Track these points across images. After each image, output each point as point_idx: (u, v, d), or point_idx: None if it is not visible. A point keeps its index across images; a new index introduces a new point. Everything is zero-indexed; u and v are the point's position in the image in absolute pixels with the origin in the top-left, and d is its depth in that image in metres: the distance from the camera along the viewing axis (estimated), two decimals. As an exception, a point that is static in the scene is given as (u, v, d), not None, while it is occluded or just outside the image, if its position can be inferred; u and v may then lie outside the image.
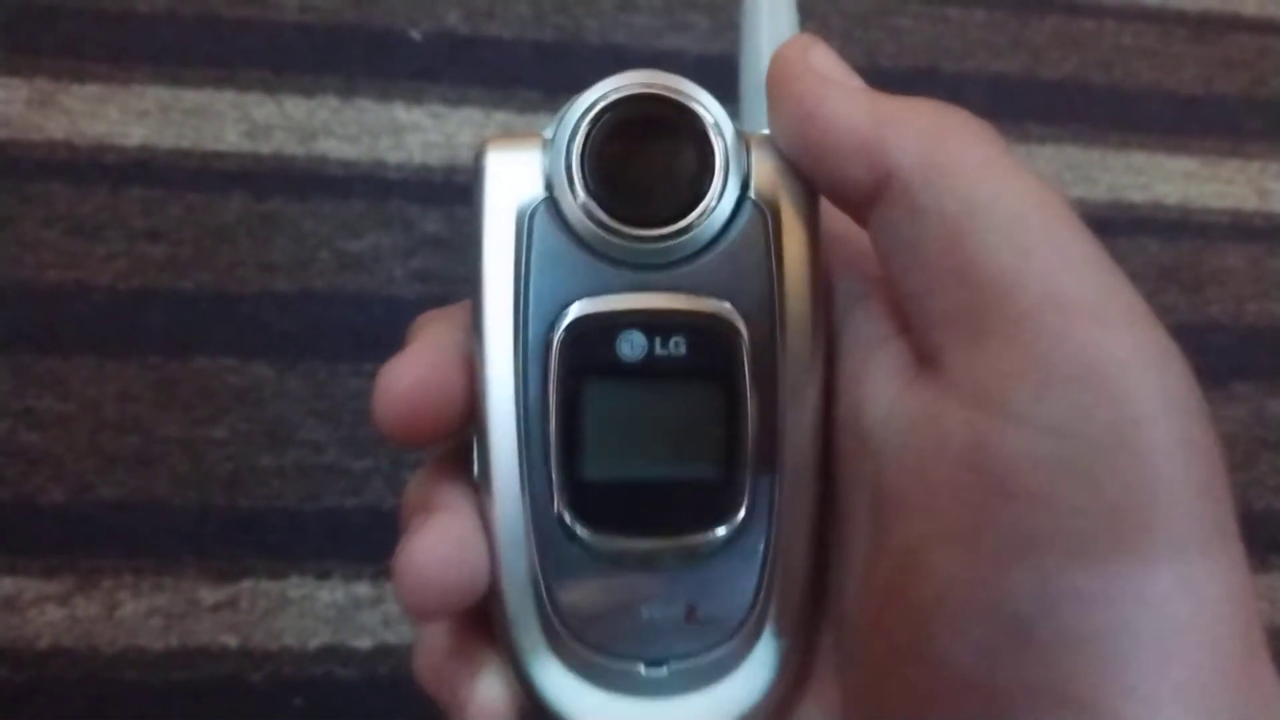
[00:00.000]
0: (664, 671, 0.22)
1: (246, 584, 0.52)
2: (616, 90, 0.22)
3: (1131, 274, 0.66)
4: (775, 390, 0.22)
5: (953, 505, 0.19)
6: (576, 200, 0.22)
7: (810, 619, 0.23)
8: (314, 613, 0.52)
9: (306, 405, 0.56)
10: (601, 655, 0.22)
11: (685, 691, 0.22)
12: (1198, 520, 0.17)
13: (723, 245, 0.22)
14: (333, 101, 0.64)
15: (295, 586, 0.52)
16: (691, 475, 0.22)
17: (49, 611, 0.51)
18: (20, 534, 0.52)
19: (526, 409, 0.22)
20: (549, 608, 0.22)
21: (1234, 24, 0.83)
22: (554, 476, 0.22)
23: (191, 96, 0.63)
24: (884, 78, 0.74)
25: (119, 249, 0.58)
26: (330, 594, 0.52)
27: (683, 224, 0.22)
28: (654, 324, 0.22)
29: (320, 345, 0.57)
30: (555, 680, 0.22)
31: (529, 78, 0.66)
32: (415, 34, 0.67)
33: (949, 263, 0.19)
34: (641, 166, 0.22)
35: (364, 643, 0.52)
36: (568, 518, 0.22)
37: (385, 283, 0.59)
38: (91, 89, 0.62)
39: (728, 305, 0.22)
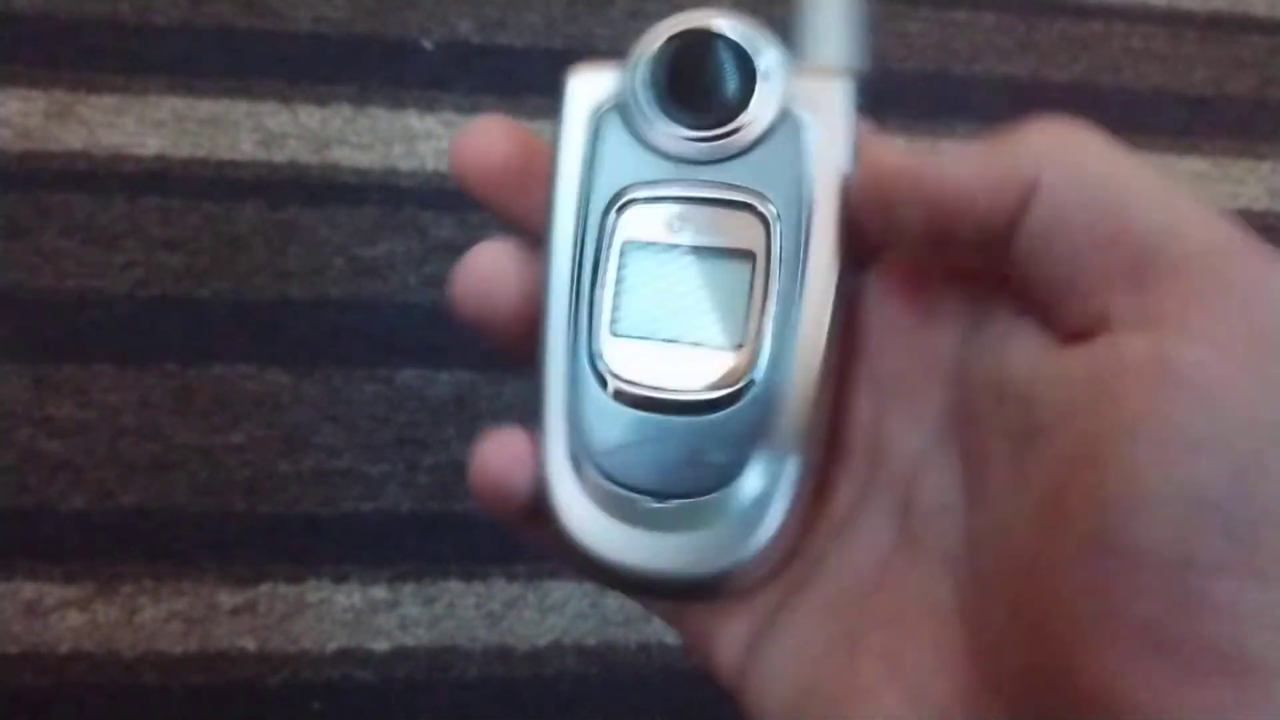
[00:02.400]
0: (667, 505, 0.25)
1: (265, 588, 0.53)
2: (681, 23, 0.27)
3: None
4: (796, 276, 0.26)
5: (1136, 407, 0.20)
6: (640, 105, 0.27)
7: (818, 481, 0.26)
8: (331, 616, 0.52)
9: (323, 411, 0.57)
10: (613, 485, 0.26)
11: (687, 529, 0.25)
12: None
13: (761, 150, 0.26)
14: (346, 110, 0.65)
15: (313, 590, 0.53)
16: (710, 340, 0.26)
17: (70, 617, 0.51)
18: (41, 540, 0.52)
19: (580, 272, 0.26)
20: (575, 438, 0.26)
21: (1244, 25, 0.83)
22: (595, 329, 0.26)
23: (206, 106, 0.63)
24: (894, 81, 0.75)
25: (137, 258, 0.59)
26: (348, 598, 0.53)
27: (724, 129, 0.26)
28: (695, 207, 0.26)
29: (336, 351, 0.58)
30: (572, 501, 0.26)
31: (540, 86, 0.67)
32: (428, 43, 0.68)
33: (1104, 233, 0.21)
34: (693, 82, 0.27)
35: (381, 645, 0.52)
36: (600, 364, 0.26)
37: (399, 289, 0.60)
38: (108, 100, 0.63)
39: (761, 196, 0.26)
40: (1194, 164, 0.75)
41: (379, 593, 0.53)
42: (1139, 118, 0.77)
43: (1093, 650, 0.20)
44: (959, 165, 0.23)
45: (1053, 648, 0.21)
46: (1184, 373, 0.20)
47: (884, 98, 0.73)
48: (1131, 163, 0.22)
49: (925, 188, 0.23)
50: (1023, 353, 0.23)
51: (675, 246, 0.26)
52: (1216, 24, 0.82)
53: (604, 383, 0.26)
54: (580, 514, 0.26)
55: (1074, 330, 0.22)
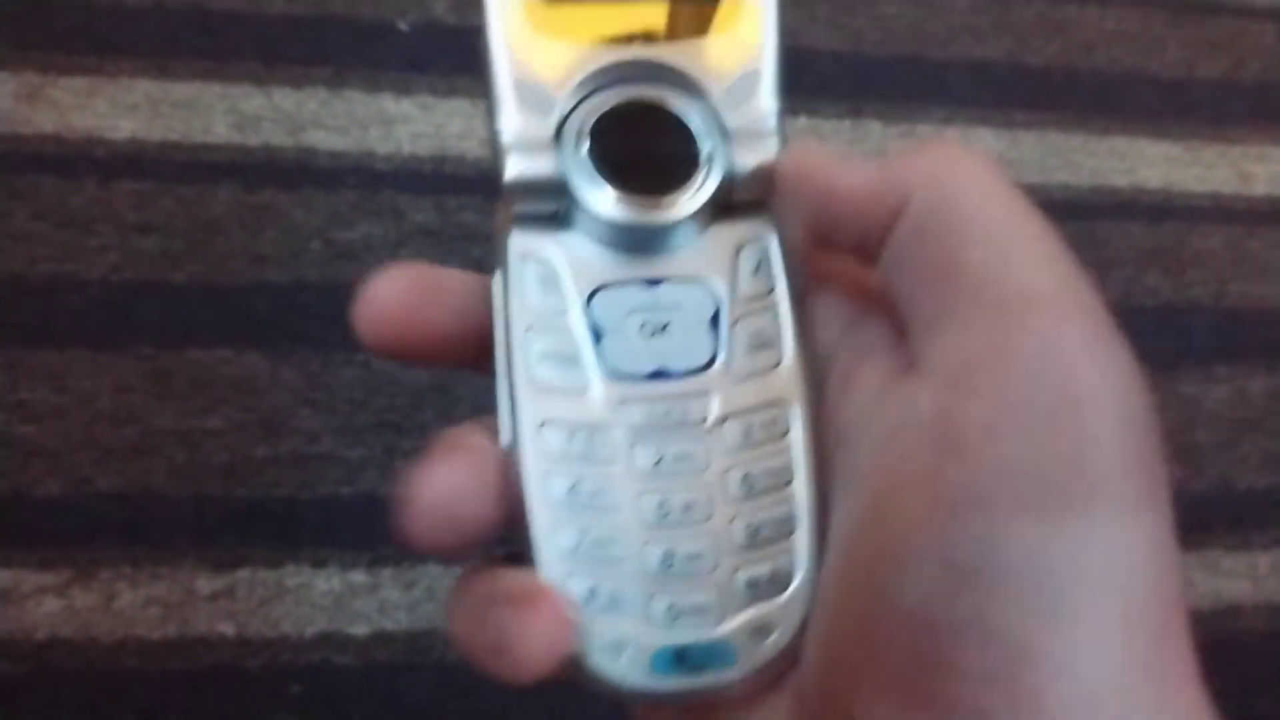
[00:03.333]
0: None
1: (243, 573, 0.53)
2: (618, 96, 0.26)
3: (1114, 257, 0.67)
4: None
5: (916, 465, 0.21)
6: (580, 196, 0.26)
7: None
8: (310, 601, 0.52)
9: (300, 395, 0.57)
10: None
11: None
12: (1131, 487, 0.20)
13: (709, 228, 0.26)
14: (321, 93, 0.64)
15: (292, 575, 0.53)
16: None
17: (47, 603, 0.51)
18: (17, 526, 0.52)
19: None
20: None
21: (1214, 8, 0.84)
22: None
23: (180, 89, 0.63)
24: (869, 64, 0.75)
25: (110, 242, 0.58)
26: (327, 582, 0.53)
27: (670, 206, 0.26)
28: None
29: (313, 335, 0.58)
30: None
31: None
32: (403, 25, 0.68)
33: (939, 268, 0.22)
34: (635, 159, 0.26)
35: (361, 630, 0.52)
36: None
37: (377, 273, 0.60)
38: (79, 82, 0.62)
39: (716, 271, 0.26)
40: (1165, 147, 0.76)
41: (358, 577, 0.53)
42: (1112, 101, 0.77)
43: (865, 703, 0.22)
44: (848, 173, 0.24)
45: (840, 699, 0.23)
46: (958, 432, 0.21)
47: (860, 82, 0.73)
48: (995, 199, 0.23)
49: (814, 186, 0.25)
50: (868, 385, 0.24)
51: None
52: (1188, 6, 0.82)
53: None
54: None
55: (906, 364, 0.23)
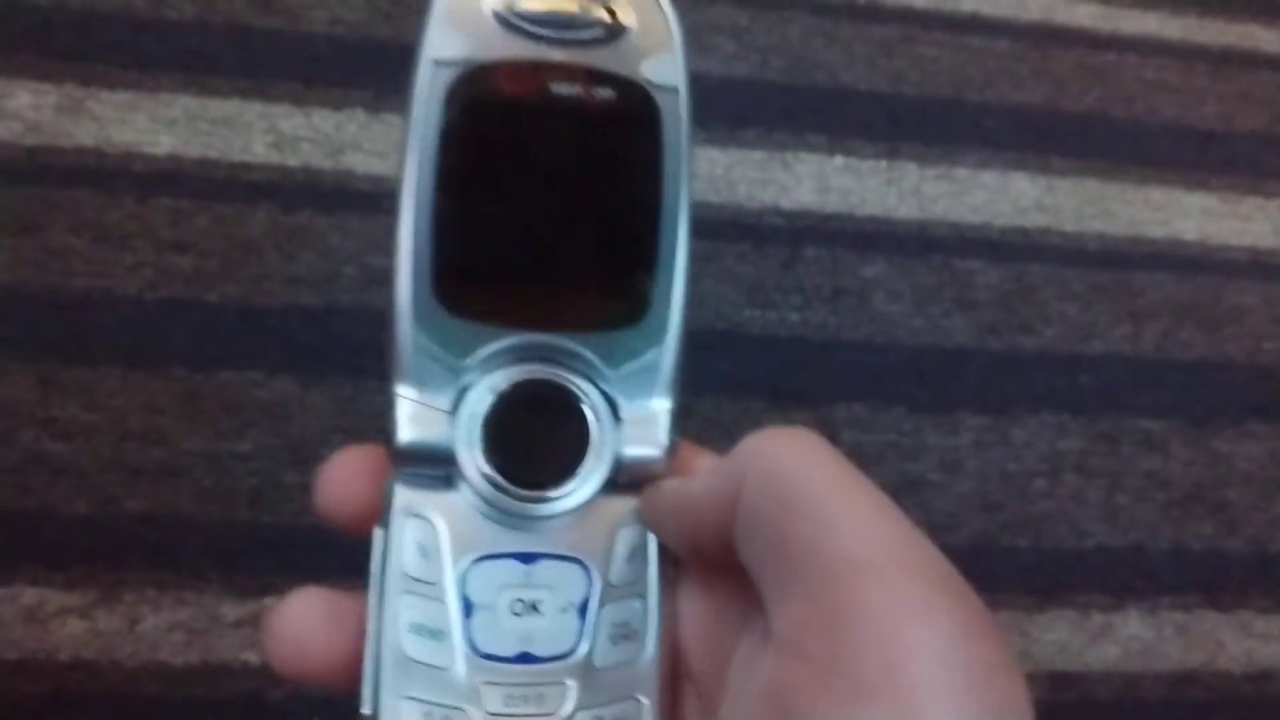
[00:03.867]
0: None
1: (269, 601, 0.52)
2: (515, 374, 0.27)
3: (1150, 309, 0.67)
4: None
5: None
6: (467, 473, 0.26)
7: None
8: (336, 632, 0.52)
9: (331, 421, 0.56)
10: None
11: None
12: None
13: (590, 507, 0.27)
14: (361, 115, 0.64)
15: (318, 605, 0.52)
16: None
17: (71, 624, 0.51)
18: (43, 545, 0.52)
19: None
20: None
21: (1254, 60, 0.83)
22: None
23: (219, 106, 0.63)
24: (907, 106, 0.75)
25: (146, 259, 0.58)
26: (352, 614, 0.52)
27: (557, 492, 0.27)
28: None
29: (345, 361, 0.58)
30: None
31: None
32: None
33: (773, 542, 0.23)
34: (526, 444, 0.27)
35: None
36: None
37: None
38: (121, 96, 0.62)
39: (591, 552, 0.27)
40: (1202, 199, 0.76)
41: None
42: (1150, 150, 0.77)
43: None
44: (698, 483, 0.26)
45: None
46: (788, 695, 0.22)
47: (897, 123, 0.73)
48: (818, 470, 0.24)
49: (677, 506, 0.26)
50: (737, 656, 0.25)
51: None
52: (1228, 59, 0.82)
53: None
54: None
55: (763, 635, 0.24)
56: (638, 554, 0.27)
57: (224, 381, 0.56)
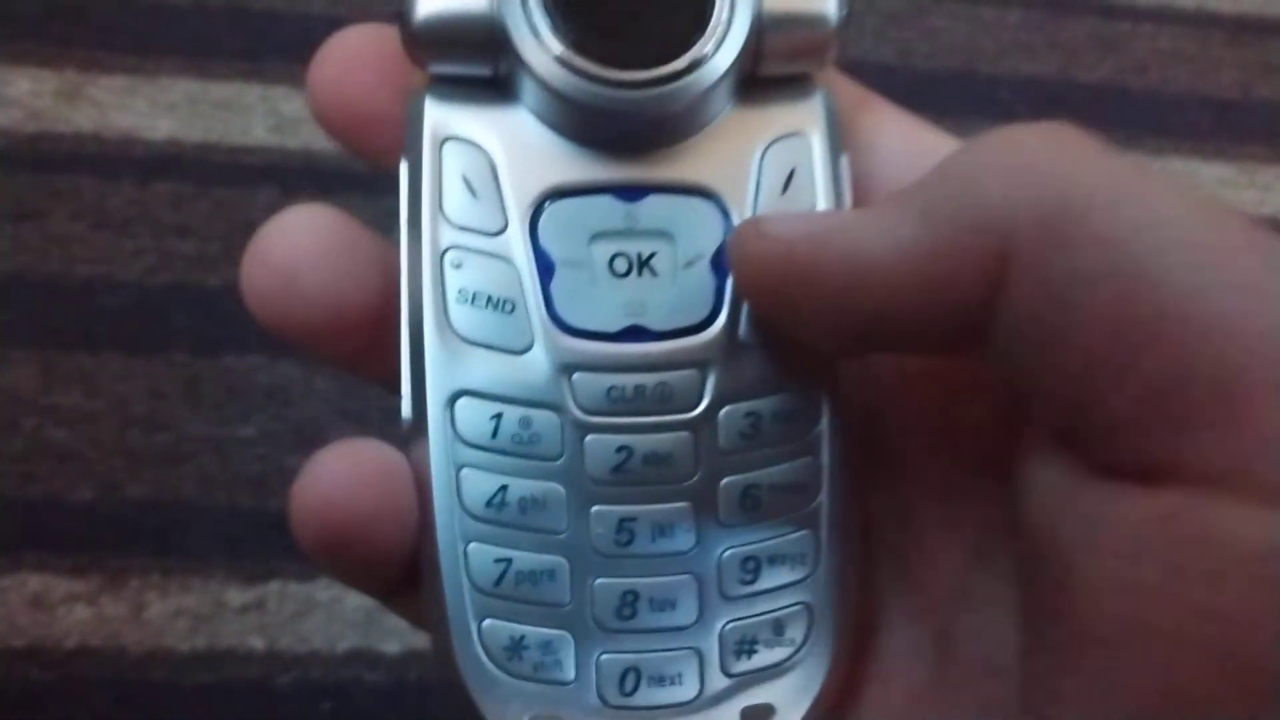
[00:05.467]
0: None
1: (274, 585, 0.52)
2: None
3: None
4: None
5: (1237, 604, 0.14)
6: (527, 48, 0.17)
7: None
8: (342, 616, 0.52)
9: (335, 405, 0.56)
10: None
11: None
12: None
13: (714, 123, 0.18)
14: (362, 97, 0.64)
15: (323, 589, 0.52)
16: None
17: (77, 610, 0.50)
18: (48, 532, 0.51)
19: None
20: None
21: (1272, 28, 0.82)
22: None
23: (219, 89, 0.63)
24: (918, 78, 0.74)
25: (147, 244, 0.58)
26: (359, 597, 0.52)
27: (665, 70, 0.17)
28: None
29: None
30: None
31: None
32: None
33: (1130, 337, 0.14)
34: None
35: (392, 647, 0.51)
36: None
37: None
38: (120, 81, 0.62)
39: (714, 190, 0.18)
40: (1220, 169, 0.74)
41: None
42: (1166, 121, 0.76)
43: None
44: (881, 236, 0.16)
45: None
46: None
47: (908, 96, 0.71)
48: (1165, 200, 0.15)
49: (829, 272, 0.16)
50: (1043, 476, 0.17)
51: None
52: (1244, 26, 0.80)
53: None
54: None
55: (1104, 463, 0.15)
56: (801, 181, 0.19)
57: (227, 366, 0.55)
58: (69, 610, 0.50)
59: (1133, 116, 0.75)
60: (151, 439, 0.54)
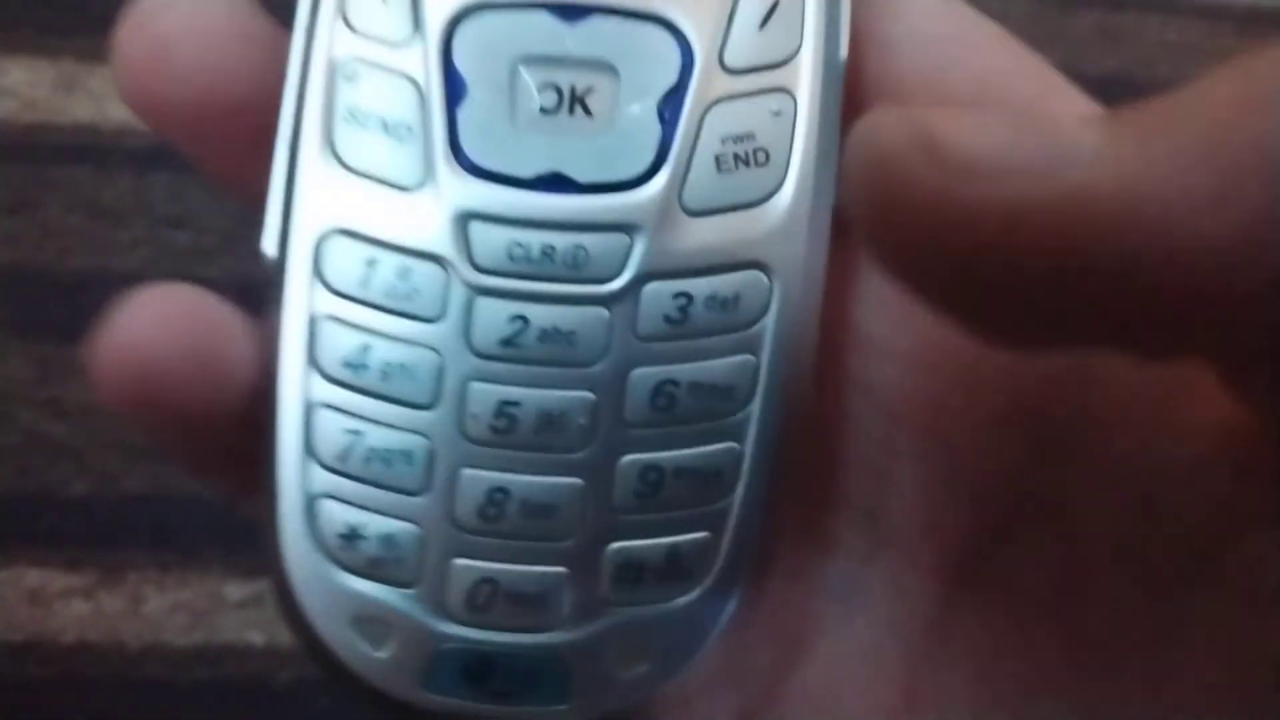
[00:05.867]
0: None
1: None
2: None
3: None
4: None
5: None
6: None
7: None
8: (342, 612, 0.51)
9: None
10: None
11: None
12: None
13: None
14: (361, 88, 0.63)
15: (323, 584, 0.52)
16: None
17: (75, 605, 0.50)
18: (44, 526, 0.51)
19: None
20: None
21: None
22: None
23: (218, 80, 0.62)
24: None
25: (142, 235, 0.58)
26: (359, 593, 0.52)
27: None
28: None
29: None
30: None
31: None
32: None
33: None
34: None
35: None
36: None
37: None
38: (117, 71, 0.61)
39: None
40: (1226, 161, 0.74)
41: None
42: (1171, 113, 0.75)
43: None
44: (1135, 171, 0.11)
45: None
46: None
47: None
48: None
49: (1088, 243, 0.11)
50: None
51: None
52: (1254, 18, 0.80)
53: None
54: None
55: None
56: (783, 17, 0.15)
57: (225, 358, 0.55)
58: (66, 605, 0.50)
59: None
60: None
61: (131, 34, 0.17)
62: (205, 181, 0.59)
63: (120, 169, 0.59)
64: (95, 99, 0.60)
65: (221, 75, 0.16)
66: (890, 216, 0.12)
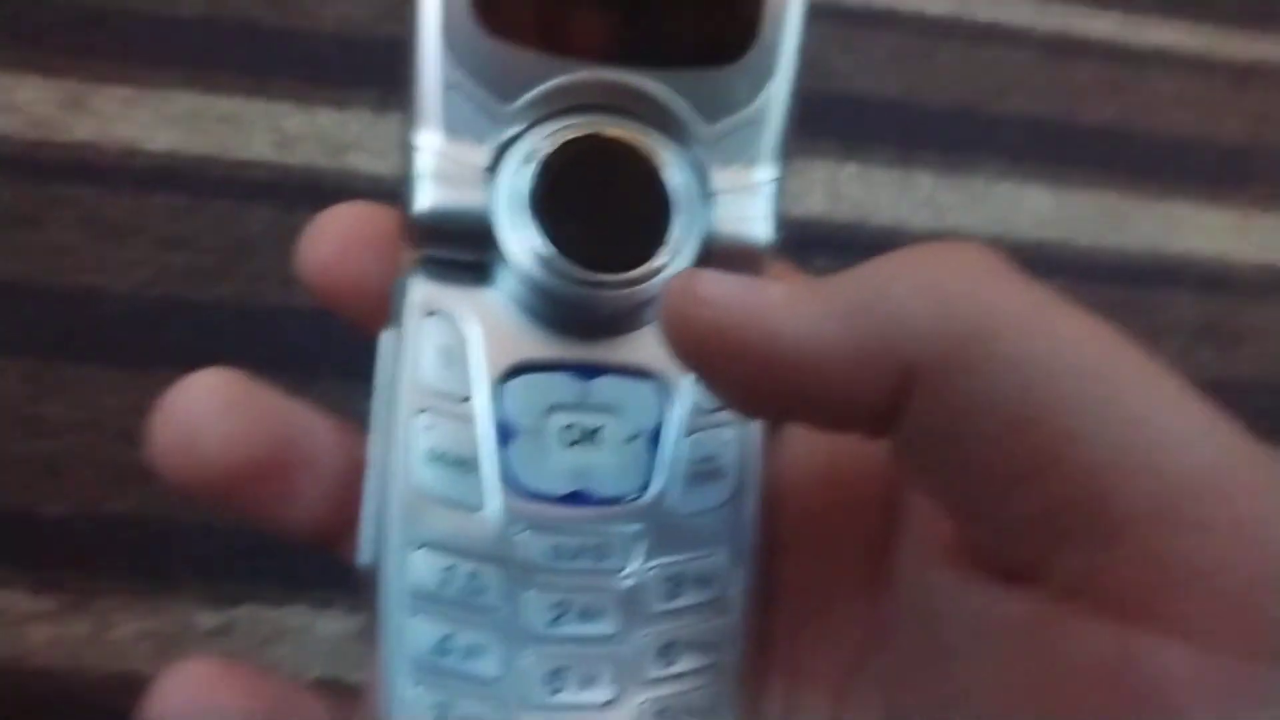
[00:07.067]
0: None
1: (244, 610, 0.51)
2: (566, 131, 0.21)
3: (1166, 326, 0.65)
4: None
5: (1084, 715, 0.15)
6: (512, 253, 0.21)
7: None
8: (311, 644, 0.51)
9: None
10: None
11: None
12: None
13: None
14: (366, 115, 0.64)
15: (294, 615, 0.51)
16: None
17: (42, 629, 0.50)
18: (21, 546, 0.51)
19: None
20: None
21: (1278, 75, 0.81)
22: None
23: (222, 104, 0.62)
24: (923, 114, 0.73)
25: (141, 256, 0.58)
26: (329, 625, 0.51)
27: (630, 276, 0.21)
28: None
29: (339, 364, 0.57)
30: None
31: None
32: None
33: (1022, 455, 0.16)
34: (587, 213, 0.21)
35: (359, 677, 0.51)
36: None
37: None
38: (123, 91, 0.62)
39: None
40: (1223, 216, 0.74)
41: (362, 622, 0.52)
42: (1169, 165, 0.75)
43: None
44: (807, 325, 0.17)
45: None
46: (1153, 685, 0.14)
47: (912, 132, 0.71)
48: (1066, 329, 0.16)
49: (754, 346, 0.17)
50: (928, 577, 0.18)
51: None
52: (1251, 73, 0.80)
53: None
54: None
55: (987, 568, 0.17)
56: None
57: (213, 382, 0.55)
58: (33, 629, 0.50)
59: (1137, 160, 0.74)
60: (132, 454, 0.53)
61: (162, 425, 0.21)
62: (203, 209, 0.59)
63: (122, 188, 0.59)
64: (100, 118, 0.61)
65: (240, 447, 0.21)
66: (672, 329, 0.19)
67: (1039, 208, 0.71)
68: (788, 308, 0.17)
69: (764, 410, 0.19)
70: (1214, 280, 0.71)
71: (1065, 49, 0.78)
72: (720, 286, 0.18)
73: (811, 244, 0.67)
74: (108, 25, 0.64)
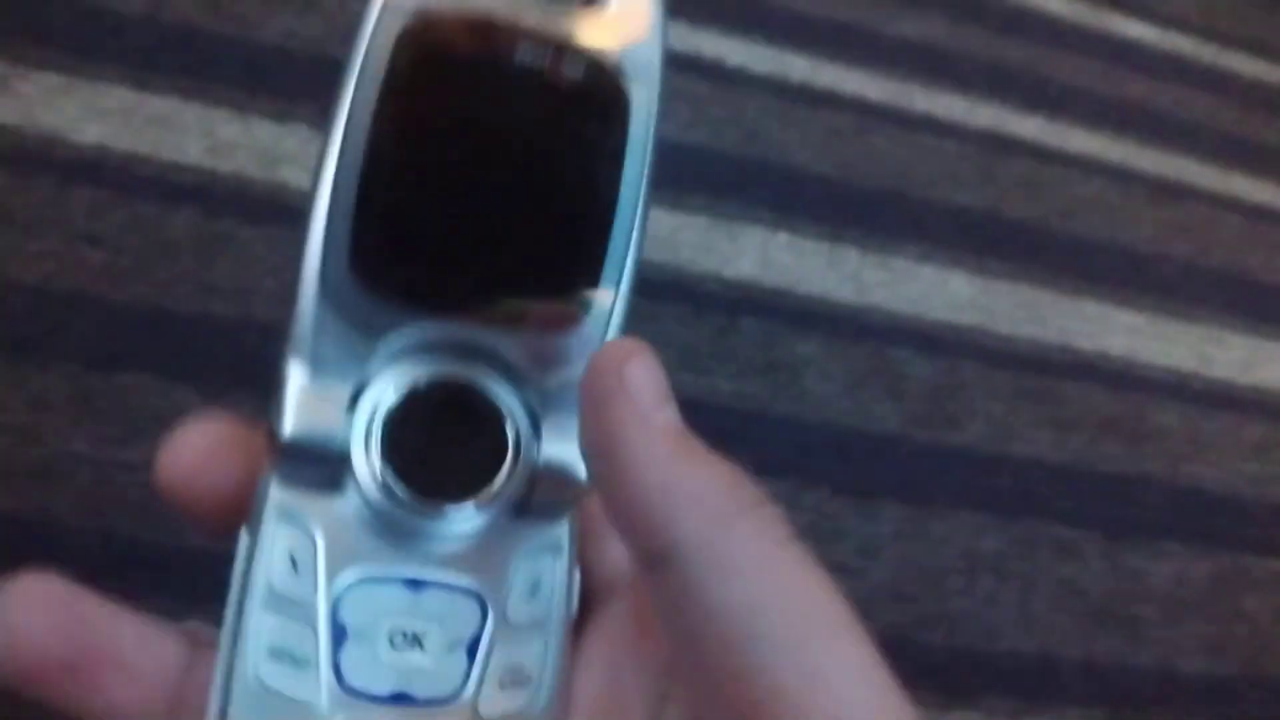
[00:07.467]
0: None
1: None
2: (418, 374, 0.23)
3: (1075, 419, 0.67)
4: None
5: None
6: (363, 481, 0.23)
7: None
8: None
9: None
10: None
11: None
12: None
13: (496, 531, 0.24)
14: (303, 130, 0.62)
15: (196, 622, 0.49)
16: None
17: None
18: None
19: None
20: None
21: (1188, 192, 0.86)
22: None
23: (157, 104, 0.61)
24: (854, 194, 0.75)
25: (53, 248, 0.55)
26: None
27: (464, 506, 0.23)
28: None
29: (252, 377, 0.54)
30: None
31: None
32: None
33: (727, 668, 0.20)
34: (430, 452, 0.23)
35: None
36: None
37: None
38: (53, 79, 0.59)
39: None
40: (1131, 317, 0.77)
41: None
42: (1085, 264, 0.78)
43: None
44: (644, 462, 0.21)
45: None
46: None
47: (842, 209, 0.73)
48: (778, 576, 0.20)
49: (608, 458, 0.21)
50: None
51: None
52: (1164, 187, 0.85)
53: None
54: None
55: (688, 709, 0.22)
56: (543, 589, 0.24)
57: (120, 384, 0.52)
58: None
59: (1054, 257, 0.77)
60: (26, 451, 0.50)
61: (167, 466, 0.23)
62: (125, 206, 0.57)
63: (40, 178, 0.57)
64: (25, 103, 0.58)
65: (231, 482, 0.23)
66: (593, 389, 0.22)
67: (959, 292, 0.73)
68: (648, 429, 0.21)
69: (596, 478, 0.23)
70: (1121, 378, 0.74)
71: (994, 146, 0.81)
72: (644, 376, 0.22)
73: (741, 305, 0.67)
74: (44, 9, 0.61)
